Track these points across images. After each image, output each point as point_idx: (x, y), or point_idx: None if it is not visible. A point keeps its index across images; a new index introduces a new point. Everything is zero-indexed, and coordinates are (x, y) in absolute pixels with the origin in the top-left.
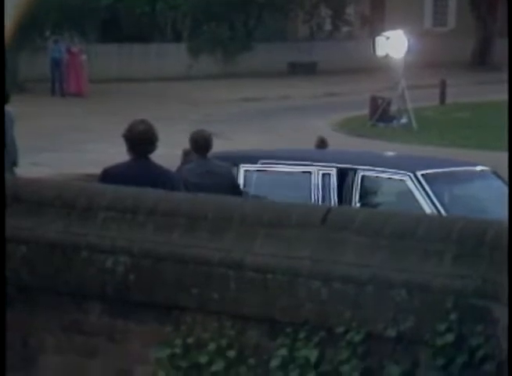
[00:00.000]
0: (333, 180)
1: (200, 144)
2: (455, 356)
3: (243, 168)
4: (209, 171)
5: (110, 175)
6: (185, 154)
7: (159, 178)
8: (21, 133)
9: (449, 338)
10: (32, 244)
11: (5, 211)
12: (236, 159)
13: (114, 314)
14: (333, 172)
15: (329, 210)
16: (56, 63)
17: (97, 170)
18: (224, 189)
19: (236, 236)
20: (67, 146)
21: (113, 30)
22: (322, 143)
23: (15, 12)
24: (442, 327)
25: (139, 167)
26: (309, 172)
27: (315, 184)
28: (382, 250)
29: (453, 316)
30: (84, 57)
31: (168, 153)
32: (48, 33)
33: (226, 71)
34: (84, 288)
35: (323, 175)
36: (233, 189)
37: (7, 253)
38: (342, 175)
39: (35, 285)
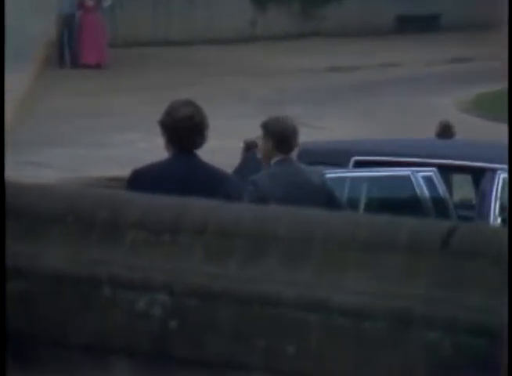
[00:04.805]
0: (463, 185)
1: (282, 139)
2: None
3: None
4: (297, 182)
5: (142, 179)
6: (248, 148)
7: (210, 182)
8: (15, 120)
9: None
10: (33, 276)
11: (5, 216)
12: (319, 155)
13: (148, 374)
14: (462, 173)
15: (453, 228)
16: (67, 22)
17: (123, 171)
18: (316, 205)
19: (318, 264)
20: (81, 137)
21: None
22: (445, 131)
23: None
24: None
25: (182, 167)
26: (427, 173)
27: (433, 190)
28: None
29: None
30: (100, 12)
31: (223, 147)
32: None
33: (305, 29)
34: (106, 339)
35: (447, 176)
36: (331, 206)
37: None
38: (475, 177)
39: (37, 334)
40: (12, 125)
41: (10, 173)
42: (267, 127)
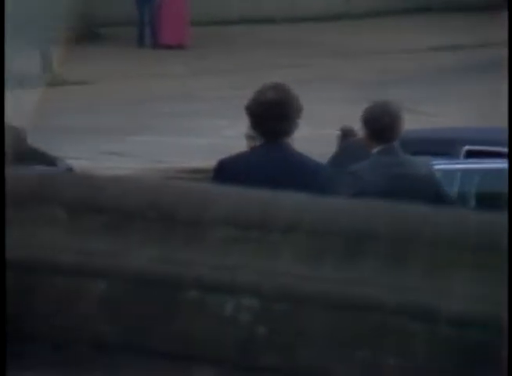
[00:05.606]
0: None
1: (377, 127)
2: None
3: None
4: (401, 173)
5: (228, 171)
6: (345, 136)
7: (301, 173)
8: (93, 106)
9: None
10: (114, 277)
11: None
12: (425, 144)
13: None
14: None
15: None
16: None
17: (208, 162)
18: (424, 200)
19: (424, 267)
20: (162, 124)
21: None
22: None
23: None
24: None
25: (271, 157)
26: None
27: None
28: None
29: None
30: None
31: (317, 135)
32: None
33: (406, 5)
34: (192, 346)
35: None
36: (439, 200)
37: (77, 290)
38: None
39: (119, 340)
40: (86, 112)
41: (89, 164)
42: (362, 115)
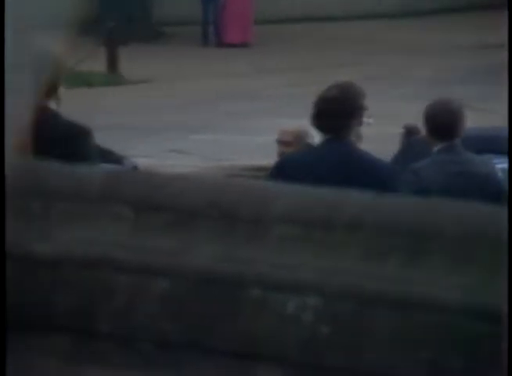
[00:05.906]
0: None
1: (445, 125)
2: None
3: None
4: (462, 172)
5: (289, 168)
6: (408, 133)
7: (364, 171)
8: (157, 105)
9: None
10: (176, 275)
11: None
12: (488, 143)
13: None
14: None
15: None
16: None
17: (269, 160)
18: (485, 199)
19: (488, 267)
20: (226, 122)
21: None
22: None
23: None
24: None
25: (332, 155)
26: None
27: None
28: None
29: None
30: None
31: (380, 133)
32: None
33: (471, 2)
34: (254, 345)
35: None
36: (501, 199)
37: (139, 288)
38: None
39: (182, 339)
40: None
41: (153, 162)
42: (424, 112)
